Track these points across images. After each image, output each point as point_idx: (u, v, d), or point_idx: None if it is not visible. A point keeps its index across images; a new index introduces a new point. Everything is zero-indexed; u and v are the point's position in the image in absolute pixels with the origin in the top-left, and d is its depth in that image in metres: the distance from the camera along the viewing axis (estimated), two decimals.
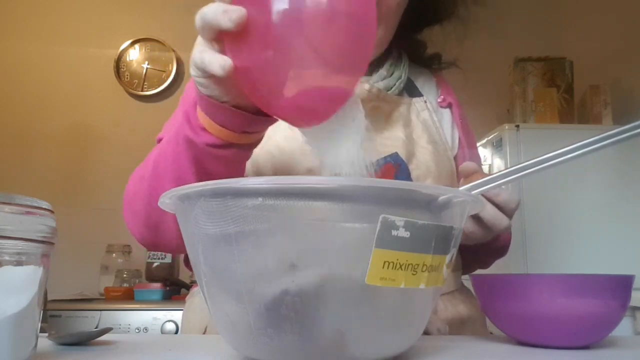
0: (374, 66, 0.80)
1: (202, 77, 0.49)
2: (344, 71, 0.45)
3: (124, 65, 2.74)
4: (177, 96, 2.91)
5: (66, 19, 2.74)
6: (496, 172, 0.56)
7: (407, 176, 0.71)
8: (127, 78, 2.73)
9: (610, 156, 1.98)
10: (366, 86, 0.73)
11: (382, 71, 0.79)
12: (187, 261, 0.81)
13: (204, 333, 0.74)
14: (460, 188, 0.47)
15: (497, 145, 2.11)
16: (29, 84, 2.69)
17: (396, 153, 0.72)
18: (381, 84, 0.77)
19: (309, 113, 0.46)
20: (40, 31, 2.72)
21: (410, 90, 0.83)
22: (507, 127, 2.06)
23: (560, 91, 2.30)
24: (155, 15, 2.75)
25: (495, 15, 2.68)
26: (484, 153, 2.23)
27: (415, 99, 0.82)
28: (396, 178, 0.71)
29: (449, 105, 0.84)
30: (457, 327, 0.75)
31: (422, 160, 0.74)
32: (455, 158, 0.82)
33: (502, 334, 0.57)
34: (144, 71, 2.74)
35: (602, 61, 2.39)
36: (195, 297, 0.81)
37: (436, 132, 0.80)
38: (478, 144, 2.29)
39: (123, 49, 2.73)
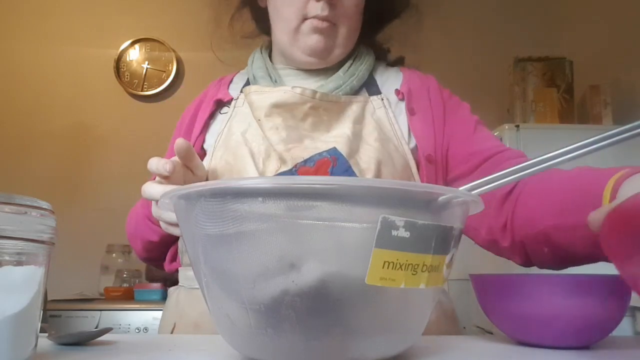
0: (337, 67, 0.86)
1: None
2: None
3: (124, 65, 2.74)
4: (177, 96, 2.91)
5: (66, 19, 2.74)
6: (496, 172, 0.56)
7: (345, 168, 0.74)
8: (127, 78, 2.73)
9: (610, 156, 1.98)
10: (298, 90, 0.78)
11: (340, 72, 0.85)
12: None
13: (172, 330, 0.79)
14: (460, 188, 0.47)
15: None
16: (29, 84, 2.69)
17: (334, 148, 0.75)
18: (330, 85, 0.82)
19: None
20: (40, 31, 2.72)
21: (371, 88, 0.86)
22: (507, 127, 2.06)
23: (560, 91, 2.30)
24: (155, 15, 2.75)
25: (495, 15, 2.68)
26: None
27: (372, 97, 0.84)
28: (332, 170, 0.73)
29: (403, 98, 0.85)
30: None
31: (365, 158, 0.76)
32: (415, 149, 0.81)
33: (502, 333, 0.57)
34: (144, 71, 2.74)
35: (602, 61, 2.39)
36: (170, 297, 0.87)
37: (391, 129, 0.81)
38: None
39: (123, 49, 2.73)
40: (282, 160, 0.74)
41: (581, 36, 2.52)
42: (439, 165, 0.81)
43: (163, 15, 2.73)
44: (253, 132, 0.79)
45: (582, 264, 0.65)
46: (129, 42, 2.74)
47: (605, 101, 2.23)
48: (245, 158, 0.76)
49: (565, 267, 0.69)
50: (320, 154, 0.75)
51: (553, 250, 0.65)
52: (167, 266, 0.87)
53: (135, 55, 2.75)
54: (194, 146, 0.81)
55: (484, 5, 2.67)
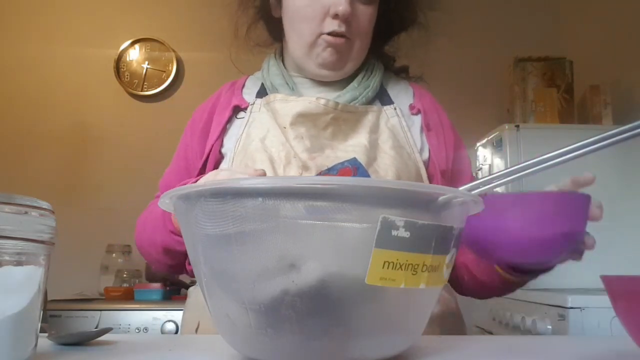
0: (350, 78, 0.89)
1: None
2: None
3: (124, 65, 2.74)
4: (177, 96, 2.90)
5: (66, 19, 2.74)
6: (496, 172, 0.56)
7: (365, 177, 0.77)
8: (127, 78, 2.73)
9: (610, 156, 1.98)
10: (322, 101, 0.82)
11: (354, 83, 0.88)
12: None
13: (196, 329, 0.79)
14: (460, 188, 0.47)
15: (497, 145, 2.11)
16: (29, 84, 2.69)
17: (354, 158, 0.79)
18: (347, 96, 0.85)
19: None
20: (40, 31, 2.72)
21: (383, 98, 0.90)
22: (507, 127, 2.06)
23: (560, 91, 2.30)
24: (155, 15, 2.75)
25: (495, 16, 2.68)
26: (484, 153, 2.23)
27: (385, 107, 0.88)
28: None
29: (419, 112, 0.90)
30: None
31: (382, 165, 0.80)
32: (427, 160, 0.86)
33: (504, 333, 0.57)
34: (144, 71, 2.74)
35: (602, 61, 2.38)
36: (190, 297, 0.87)
37: (404, 137, 0.86)
38: (478, 144, 2.29)
39: (123, 49, 2.73)
40: (305, 167, 0.77)
41: (581, 36, 2.52)
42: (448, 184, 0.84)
43: (163, 15, 2.73)
44: (272, 138, 0.81)
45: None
46: (129, 42, 2.73)
47: (605, 101, 2.23)
48: (264, 163, 0.78)
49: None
50: (342, 163, 0.79)
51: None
52: (188, 267, 0.87)
53: (135, 55, 2.75)
54: (211, 150, 0.86)
55: (485, 5, 2.66)
